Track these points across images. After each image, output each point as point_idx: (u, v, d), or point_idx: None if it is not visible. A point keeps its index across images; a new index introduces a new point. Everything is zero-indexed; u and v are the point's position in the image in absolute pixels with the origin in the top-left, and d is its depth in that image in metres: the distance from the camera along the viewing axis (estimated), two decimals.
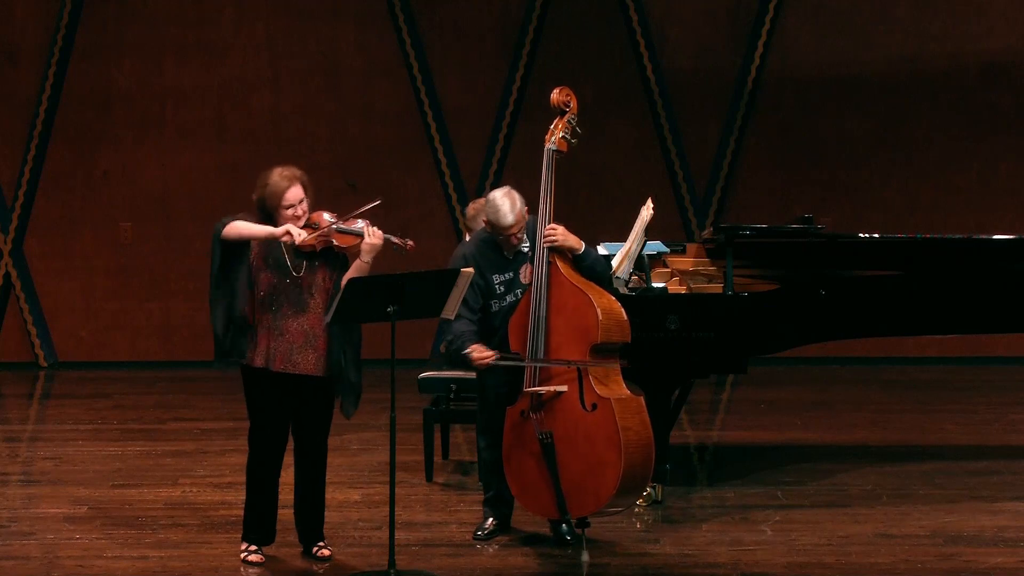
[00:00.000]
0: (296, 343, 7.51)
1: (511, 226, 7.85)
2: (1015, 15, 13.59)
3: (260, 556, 7.69)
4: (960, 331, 9.54)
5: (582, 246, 7.81)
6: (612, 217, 12.40)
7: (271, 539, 7.75)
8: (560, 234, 7.77)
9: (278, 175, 7.52)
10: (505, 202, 7.84)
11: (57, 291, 13.91)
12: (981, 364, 13.37)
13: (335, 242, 7.52)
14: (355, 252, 7.56)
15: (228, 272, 7.49)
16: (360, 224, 7.56)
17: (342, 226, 7.53)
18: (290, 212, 7.50)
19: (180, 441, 10.54)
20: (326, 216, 7.56)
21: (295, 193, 7.50)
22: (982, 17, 13.59)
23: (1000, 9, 13.59)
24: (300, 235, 7.43)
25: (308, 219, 7.56)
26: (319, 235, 7.47)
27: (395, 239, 7.58)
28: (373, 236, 7.51)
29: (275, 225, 7.50)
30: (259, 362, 7.51)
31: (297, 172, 7.56)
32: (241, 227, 7.46)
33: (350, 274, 7.51)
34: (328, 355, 7.55)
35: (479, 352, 7.81)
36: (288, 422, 7.66)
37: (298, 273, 7.52)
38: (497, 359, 7.78)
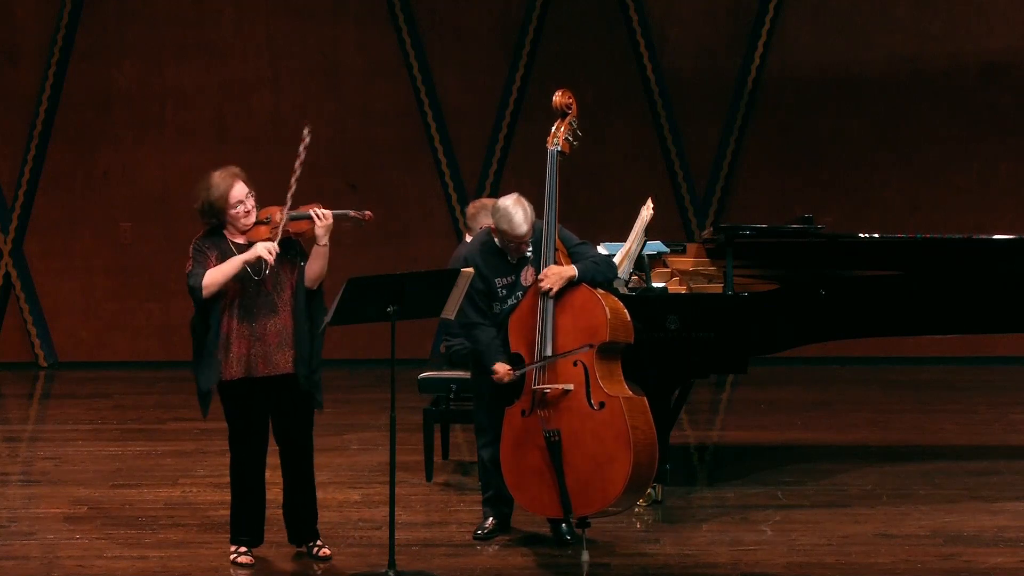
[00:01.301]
0: (272, 344, 7.49)
1: (524, 235, 7.83)
2: (1015, 15, 13.59)
3: (250, 558, 7.68)
4: (960, 331, 9.53)
5: (575, 271, 7.77)
6: (612, 217, 12.40)
7: (260, 540, 7.75)
8: (554, 279, 7.72)
9: (218, 177, 7.47)
10: (518, 211, 7.80)
11: (57, 291, 13.92)
12: (981, 364, 13.37)
13: (291, 230, 7.49)
14: (309, 237, 7.53)
15: (208, 319, 7.48)
16: (310, 210, 7.51)
17: (293, 213, 7.49)
18: (240, 210, 7.46)
19: (180, 441, 10.54)
20: (279, 210, 7.51)
21: (240, 190, 7.45)
22: (982, 17, 13.59)
23: (1000, 9, 13.59)
24: (273, 250, 7.39)
25: (259, 216, 7.53)
26: (280, 231, 7.42)
27: (352, 212, 7.55)
28: (324, 219, 7.46)
29: (225, 228, 7.49)
30: (237, 372, 7.48)
31: (236, 169, 7.52)
32: (216, 276, 7.40)
33: (312, 260, 7.47)
34: (296, 350, 7.52)
35: (501, 370, 7.80)
36: (268, 424, 7.65)
37: (260, 276, 7.49)
38: (515, 375, 7.77)
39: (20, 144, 13.76)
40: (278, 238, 7.41)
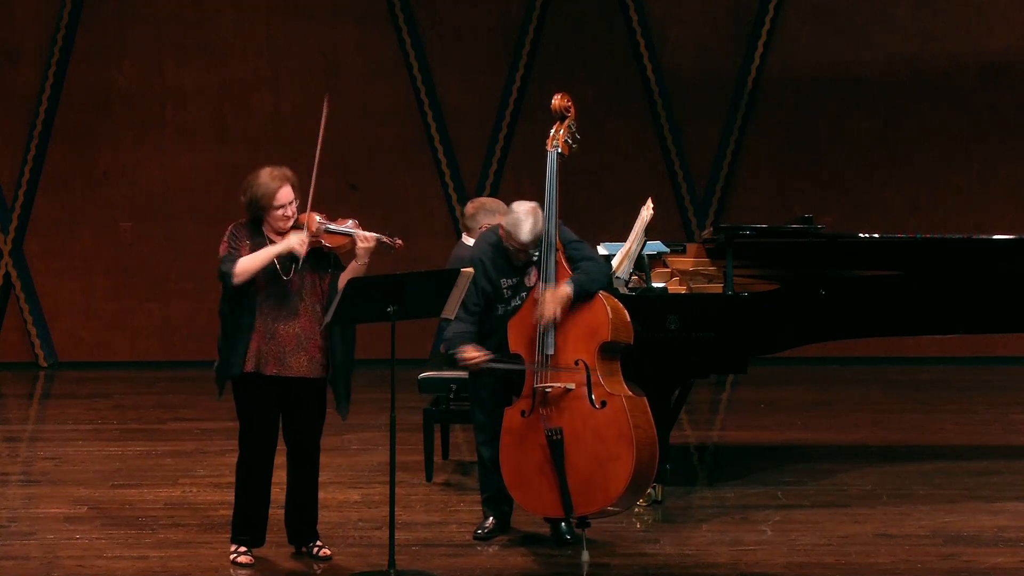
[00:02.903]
0: (288, 346, 7.51)
1: (526, 244, 7.82)
2: (1015, 15, 13.59)
3: (249, 557, 7.68)
4: (960, 331, 9.53)
5: (571, 291, 7.72)
6: (612, 217, 12.39)
7: (261, 541, 7.76)
8: (554, 307, 7.64)
9: (268, 176, 7.53)
10: (529, 220, 7.78)
11: (57, 291, 13.92)
12: (981, 364, 13.37)
13: (324, 243, 7.52)
14: (343, 252, 7.56)
15: (241, 310, 7.50)
16: (350, 225, 7.55)
17: (332, 227, 7.54)
18: (280, 212, 7.51)
19: (180, 441, 10.55)
20: (316, 218, 7.55)
21: (286, 193, 7.52)
22: (982, 17, 13.59)
23: (1000, 9, 13.59)
24: (305, 241, 7.44)
25: (297, 220, 7.57)
26: (312, 237, 7.48)
27: (385, 237, 7.58)
28: (366, 241, 7.50)
29: (263, 226, 7.53)
30: (249, 367, 7.50)
31: (288, 173, 7.58)
32: (248, 264, 7.44)
33: (347, 275, 7.51)
34: (323, 357, 7.54)
35: (469, 352, 7.80)
36: (278, 424, 7.66)
37: (287, 276, 7.51)
38: (489, 361, 7.77)
39: (20, 144, 13.76)
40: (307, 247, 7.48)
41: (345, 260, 7.63)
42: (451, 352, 7.86)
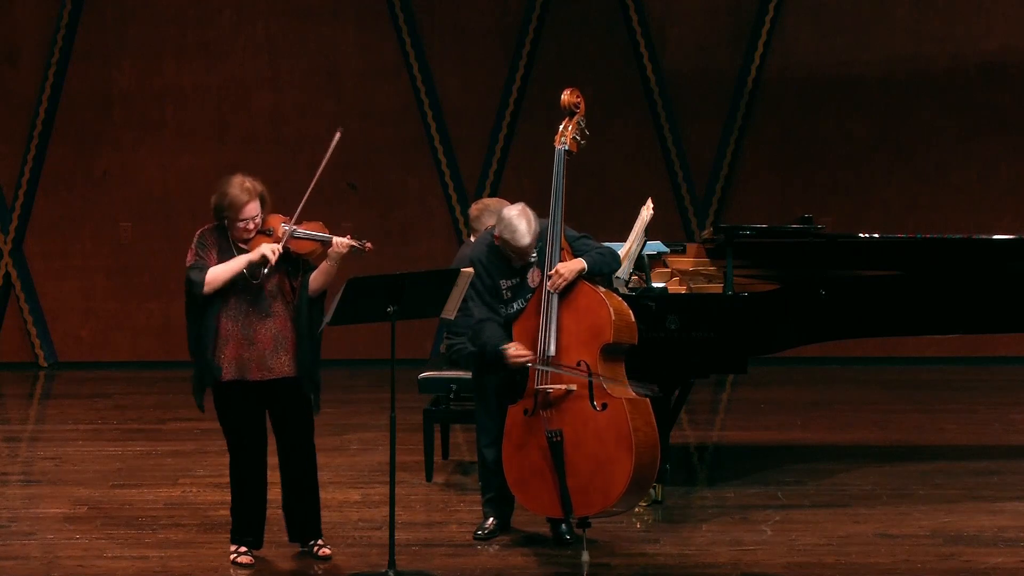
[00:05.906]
0: (267, 349, 7.51)
1: (527, 247, 7.81)
2: (1015, 15, 13.59)
3: (249, 558, 7.69)
4: (960, 331, 9.54)
5: (585, 265, 7.76)
6: (612, 217, 12.39)
7: (260, 543, 7.76)
8: (565, 275, 7.69)
9: (239, 187, 7.52)
10: (522, 222, 7.77)
11: (57, 291, 13.92)
12: (981, 364, 13.36)
13: (291, 249, 7.50)
14: (313, 258, 7.55)
15: (205, 316, 7.48)
16: (318, 228, 7.54)
17: (300, 232, 7.52)
18: (242, 226, 7.53)
19: (180, 441, 10.55)
20: (283, 225, 7.54)
21: (252, 208, 7.52)
22: (982, 17, 13.59)
23: (1000, 9, 13.59)
24: (277, 250, 7.42)
25: (264, 224, 7.56)
26: (280, 247, 7.46)
27: (355, 242, 7.57)
28: (339, 245, 7.49)
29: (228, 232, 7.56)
30: (229, 374, 7.50)
31: (258, 187, 7.57)
32: (219, 273, 7.46)
33: (318, 274, 7.51)
34: (298, 355, 7.53)
35: (516, 349, 7.77)
36: (265, 426, 7.66)
37: (257, 280, 7.51)
38: (531, 362, 7.74)
39: (20, 144, 13.76)
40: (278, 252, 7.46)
41: (313, 262, 7.62)
42: (496, 349, 7.80)
